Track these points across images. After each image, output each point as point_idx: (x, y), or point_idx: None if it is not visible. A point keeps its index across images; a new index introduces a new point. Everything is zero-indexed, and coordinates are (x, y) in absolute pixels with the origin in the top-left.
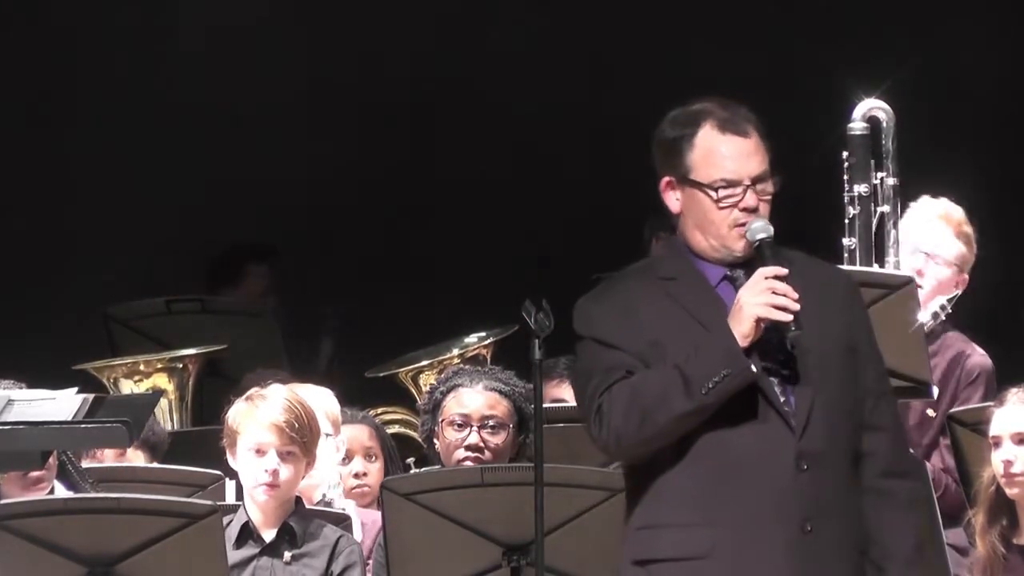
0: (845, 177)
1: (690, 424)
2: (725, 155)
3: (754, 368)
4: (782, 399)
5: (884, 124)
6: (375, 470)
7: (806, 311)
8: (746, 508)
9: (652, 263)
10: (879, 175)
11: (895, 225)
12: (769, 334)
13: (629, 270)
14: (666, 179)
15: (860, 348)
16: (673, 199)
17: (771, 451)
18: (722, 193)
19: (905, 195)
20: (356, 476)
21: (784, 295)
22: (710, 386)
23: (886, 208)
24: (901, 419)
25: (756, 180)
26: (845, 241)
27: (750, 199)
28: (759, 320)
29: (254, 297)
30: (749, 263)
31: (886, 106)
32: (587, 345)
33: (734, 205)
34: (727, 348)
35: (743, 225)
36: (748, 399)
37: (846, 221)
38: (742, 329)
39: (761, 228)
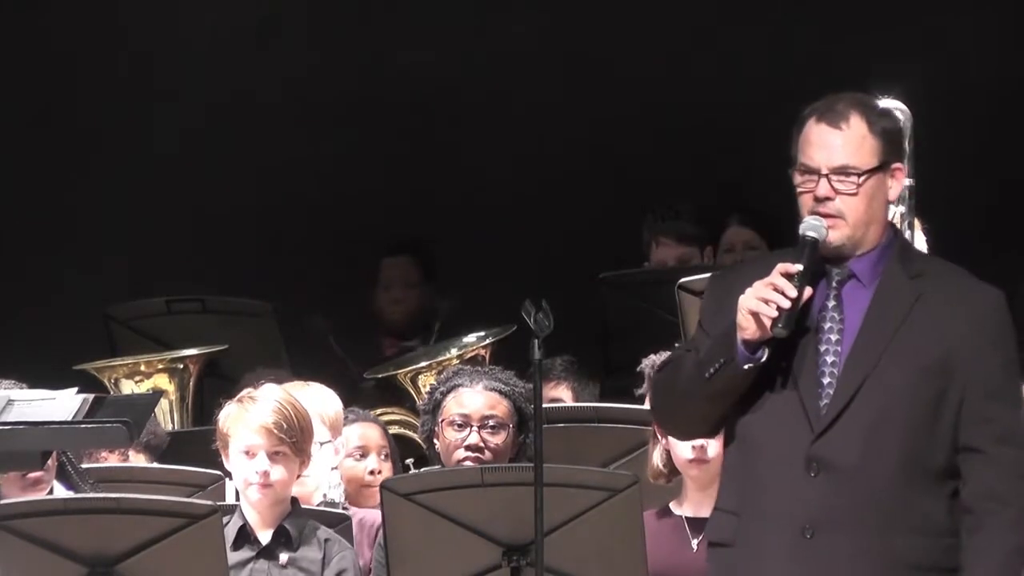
0: None
1: (712, 407)
2: (810, 142)
3: (756, 361)
4: (823, 403)
5: (902, 125)
6: (388, 469)
7: (881, 323)
8: (759, 502)
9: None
10: None
11: (910, 226)
12: (823, 336)
13: (773, 252)
14: (794, 167)
15: (960, 368)
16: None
17: (785, 451)
18: (799, 179)
19: (920, 195)
20: (372, 473)
21: (782, 292)
22: (712, 371)
23: (902, 209)
24: (1013, 447)
25: (835, 171)
26: None
27: (822, 188)
28: (755, 313)
29: (390, 291)
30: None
31: (904, 107)
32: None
33: (810, 192)
34: (728, 337)
35: (816, 215)
36: (785, 396)
37: None
38: (739, 320)
39: (811, 227)
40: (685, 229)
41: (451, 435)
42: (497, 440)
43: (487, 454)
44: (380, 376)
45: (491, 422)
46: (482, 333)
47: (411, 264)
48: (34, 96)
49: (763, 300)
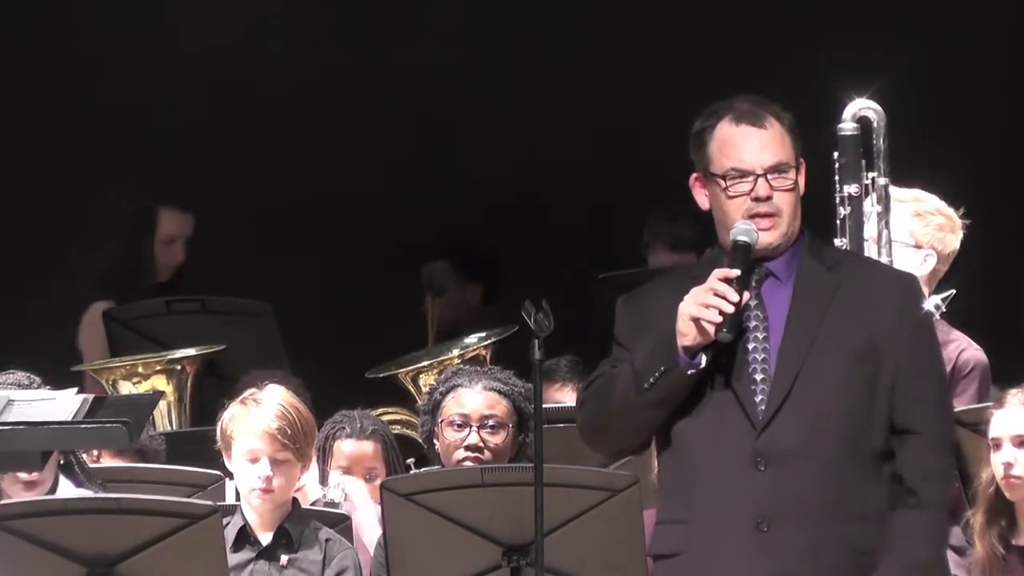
0: (836, 178)
1: (648, 418)
2: (737, 145)
3: (697, 366)
4: (759, 398)
5: (875, 124)
6: (371, 489)
7: (806, 315)
8: (707, 505)
9: (698, 263)
10: (870, 175)
11: (887, 225)
12: (749, 335)
13: (676, 270)
14: (694, 175)
15: (888, 351)
16: (701, 196)
17: (729, 449)
18: (731, 182)
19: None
20: (347, 498)
21: (723, 297)
22: (651, 381)
23: (879, 208)
24: (943, 425)
25: (770, 170)
26: (837, 242)
27: (762, 188)
28: (696, 320)
29: (449, 296)
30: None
31: (877, 106)
32: (613, 343)
33: (746, 194)
34: (668, 345)
35: (756, 216)
36: (721, 397)
37: (837, 222)
38: (680, 327)
39: (742, 231)
40: (682, 234)
41: (450, 435)
42: (496, 440)
43: (486, 454)
44: (381, 375)
45: (490, 422)
46: (483, 333)
47: (445, 268)
48: (35, 94)
49: (705, 306)
